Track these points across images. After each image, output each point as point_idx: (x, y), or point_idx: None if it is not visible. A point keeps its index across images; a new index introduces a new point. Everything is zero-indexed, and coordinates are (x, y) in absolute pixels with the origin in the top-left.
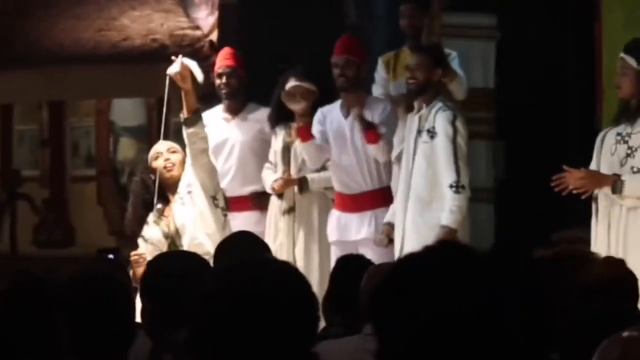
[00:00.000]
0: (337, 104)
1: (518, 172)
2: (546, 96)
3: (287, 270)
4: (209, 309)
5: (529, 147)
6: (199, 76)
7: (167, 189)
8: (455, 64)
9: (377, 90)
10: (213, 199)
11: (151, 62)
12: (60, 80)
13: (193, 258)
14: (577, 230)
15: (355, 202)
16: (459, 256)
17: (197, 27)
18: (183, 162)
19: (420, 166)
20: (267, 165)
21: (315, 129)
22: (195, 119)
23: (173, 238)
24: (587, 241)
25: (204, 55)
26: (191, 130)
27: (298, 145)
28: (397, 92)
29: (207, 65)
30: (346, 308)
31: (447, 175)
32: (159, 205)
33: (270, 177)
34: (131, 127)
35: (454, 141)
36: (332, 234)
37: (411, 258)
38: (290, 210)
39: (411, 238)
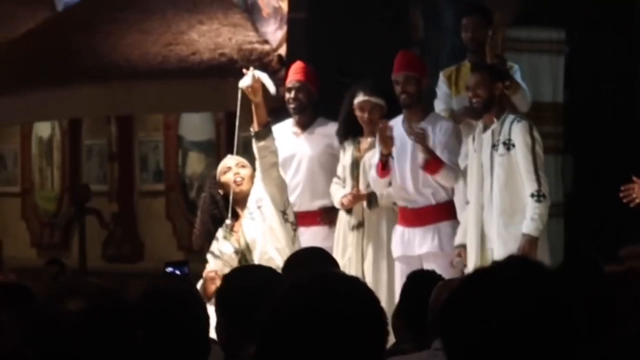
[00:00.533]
0: (400, 119)
1: (587, 185)
2: (615, 109)
3: (356, 285)
4: (277, 323)
5: (598, 161)
6: (271, 88)
7: (236, 204)
8: (517, 77)
9: (439, 105)
10: (283, 213)
11: (219, 77)
12: (128, 94)
13: (269, 272)
14: None
15: (419, 217)
16: (527, 272)
17: (266, 41)
18: (252, 176)
19: (499, 179)
20: (335, 180)
21: (377, 147)
22: (265, 132)
23: (244, 253)
24: None
25: (272, 69)
26: (262, 143)
27: (366, 160)
28: (459, 106)
29: (276, 79)
30: (416, 323)
31: (528, 186)
32: (228, 221)
33: (338, 192)
34: (199, 142)
35: (533, 150)
36: (396, 250)
37: (480, 273)
38: (359, 225)
39: (500, 251)
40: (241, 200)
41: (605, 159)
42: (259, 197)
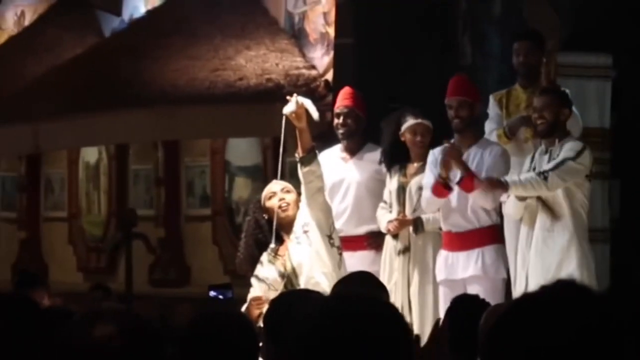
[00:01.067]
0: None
1: (634, 211)
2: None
3: (379, 305)
4: (305, 343)
5: None
6: (315, 114)
7: (281, 229)
8: None
9: (491, 125)
10: (329, 238)
11: (266, 102)
12: (175, 120)
13: (317, 297)
14: None
15: (463, 241)
16: (576, 296)
17: (313, 67)
18: (297, 201)
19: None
20: (381, 205)
21: (429, 170)
22: (310, 157)
23: (290, 277)
24: None
25: (319, 95)
26: (307, 169)
27: (413, 185)
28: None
29: (322, 105)
30: (461, 349)
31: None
32: (273, 245)
33: (385, 217)
34: (246, 167)
35: (571, 159)
36: (439, 273)
37: (527, 297)
38: (405, 250)
39: (537, 266)
40: (286, 225)
41: None
42: (306, 222)
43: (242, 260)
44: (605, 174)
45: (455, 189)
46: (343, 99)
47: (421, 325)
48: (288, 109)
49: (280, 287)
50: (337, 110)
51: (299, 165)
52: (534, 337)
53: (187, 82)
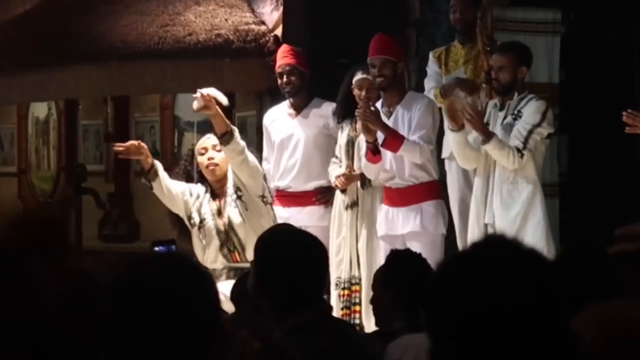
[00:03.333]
0: (379, 104)
1: (582, 166)
2: (611, 89)
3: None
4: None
5: (593, 141)
6: (224, 100)
7: (211, 185)
8: None
9: (429, 83)
10: (262, 197)
11: (215, 57)
12: (124, 75)
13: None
14: None
15: (402, 197)
16: (507, 251)
17: (262, 22)
18: (227, 160)
19: None
20: (333, 159)
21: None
22: (227, 138)
23: (228, 233)
24: None
25: (269, 50)
26: (226, 147)
27: (362, 140)
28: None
29: (271, 60)
30: (404, 303)
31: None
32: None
33: (335, 172)
34: (195, 122)
35: (536, 125)
36: (380, 228)
37: (460, 256)
38: (353, 204)
39: (503, 219)
40: (216, 182)
41: (600, 139)
42: (237, 187)
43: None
44: (554, 129)
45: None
46: (283, 57)
47: (369, 279)
48: (197, 105)
49: (212, 234)
50: (279, 69)
51: (220, 146)
52: (465, 297)
53: (137, 38)
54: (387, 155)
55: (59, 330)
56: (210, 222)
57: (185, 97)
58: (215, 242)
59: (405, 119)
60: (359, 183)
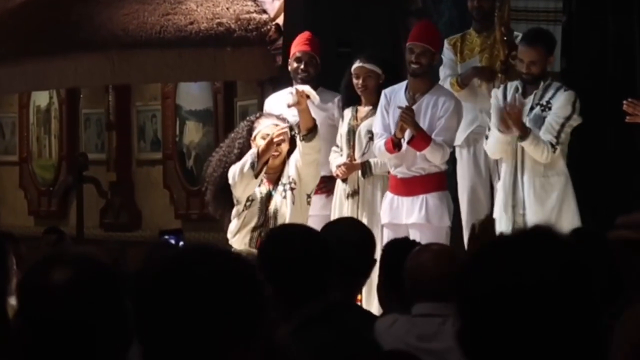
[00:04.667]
0: (403, 87)
1: (582, 155)
2: (612, 78)
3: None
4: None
5: (593, 130)
6: (316, 98)
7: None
8: None
9: (445, 71)
10: (307, 196)
11: (217, 46)
12: (126, 64)
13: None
14: None
15: (407, 186)
16: (545, 237)
17: (264, 11)
18: (286, 152)
19: None
20: (334, 148)
21: (380, 114)
22: (311, 135)
23: (269, 220)
24: None
25: (270, 39)
26: (308, 144)
27: (362, 129)
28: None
29: (273, 49)
30: (399, 293)
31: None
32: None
33: (335, 161)
34: (197, 111)
35: (567, 118)
36: (384, 216)
37: (501, 241)
38: (354, 193)
39: (537, 213)
40: (271, 168)
41: (600, 127)
42: (294, 179)
43: (211, 199)
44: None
45: (407, 138)
46: (303, 44)
47: None
48: (292, 101)
49: (254, 217)
50: (297, 54)
51: (300, 141)
52: (503, 276)
53: (138, 26)
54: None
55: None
56: (257, 204)
57: (187, 86)
58: (252, 225)
59: (428, 110)
60: (359, 172)
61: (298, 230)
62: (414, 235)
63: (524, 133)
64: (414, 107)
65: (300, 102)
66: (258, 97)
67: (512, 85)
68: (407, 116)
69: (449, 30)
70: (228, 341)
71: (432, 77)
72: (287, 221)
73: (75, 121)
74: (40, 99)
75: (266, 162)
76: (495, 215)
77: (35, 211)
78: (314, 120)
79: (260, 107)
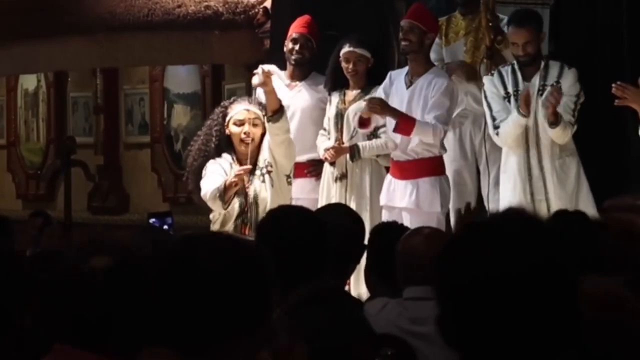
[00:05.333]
0: (404, 71)
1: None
2: (601, 61)
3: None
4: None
5: (582, 114)
6: (284, 79)
7: (238, 155)
8: (506, 29)
9: (431, 55)
10: (287, 177)
11: (205, 29)
12: (114, 47)
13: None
14: (633, 197)
15: (401, 170)
16: (523, 222)
17: None
18: (261, 137)
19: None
20: (321, 132)
21: (380, 92)
22: (278, 116)
23: (250, 208)
24: None
25: (258, 22)
26: (275, 125)
27: (350, 112)
28: (450, 58)
29: (261, 32)
30: (387, 276)
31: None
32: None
33: (323, 144)
34: (185, 94)
35: (578, 96)
36: (382, 197)
37: (475, 226)
38: (342, 177)
39: (560, 197)
40: (242, 154)
41: (589, 111)
42: (269, 162)
43: (194, 188)
44: None
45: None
46: (301, 26)
47: None
48: (256, 81)
49: (235, 204)
50: (295, 35)
51: (267, 123)
52: (477, 265)
53: (125, 10)
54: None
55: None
56: (236, 197)
57: (175, 69)
58: (234, 212)
59: (422, 93)
60: (348, 155)
61: (296, 212)
62: (406, 219)
63: (556, 120)
64: (409, 89)
65: (267, 82)
66: (246, 80)
67: (506, 71)
68: (376, 106)
69: (435, 14)
70: (235, 331)
71: (429, 61)
72: (268, 205)
73: (63, 105)
74: (28, 82)
75: (235, 192)
76: (511, 203)
77: (23, 195)
78: (279, 101)
79: (248, 91)
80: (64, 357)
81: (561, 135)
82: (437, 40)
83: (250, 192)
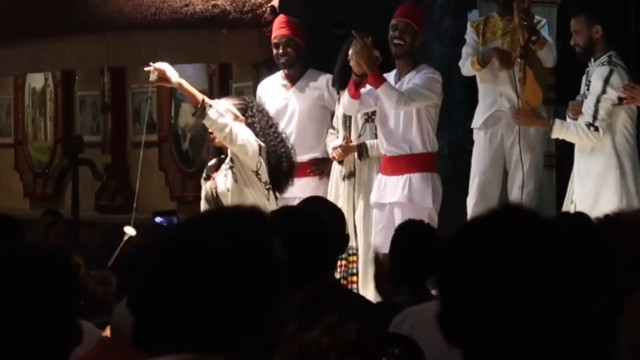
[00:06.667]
0: (393, 74)
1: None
2: None
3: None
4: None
5: None
6: (173, 76)
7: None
8: (544, 31)
9: (467, 50)
10: (255, 173)
11: (212, 28)
12: (121, 46)
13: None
14: None
15: (393, 165)
16: (525, 220)
17: None
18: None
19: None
20: (331, 130)
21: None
22: (200, 112)
23: (215, 202)
24: None
25: (266, 20)
26: (205, 123)
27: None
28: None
29: (268, 31)
30: (409, 275)
31: (583, 118)
32: (211, 163)
33: (332, 143)
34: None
35: (602, 91)
36: (373, 196)
37: (476, 222)
38: (351, 175)
39: (580, 195)
40: (222, 148)
41: None
42: (231, 158)
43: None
44: (550, 99)
45: (392, 117)
46: (279, 28)
47: (366, 249)
48: (152, 78)
49: (204, 206)
50: (275, 40)
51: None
52: (476, 262)
53: (133, 8)
54: (389, 116)
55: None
56: (203, 189)
57: (182, 68)
58: (205, 207)
59: (410, 84)
60: (356, 154)
61: (301, 211)
62: (397, 215)
63: (547, 126)
64: (396, 85)
65: (167, 78)
66: (253, 79)
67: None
68: (362, 50)
69: (443, 13)
70: (241, 325)
71: (417, 60)
72: (229, 198)
73: (71, 103)
74: (36, 81)
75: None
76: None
77: (31, 193)
78: (199, 99)
79: (255, 89)
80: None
81: (571, 138)
82: (475, 37)
83: (213, 186)
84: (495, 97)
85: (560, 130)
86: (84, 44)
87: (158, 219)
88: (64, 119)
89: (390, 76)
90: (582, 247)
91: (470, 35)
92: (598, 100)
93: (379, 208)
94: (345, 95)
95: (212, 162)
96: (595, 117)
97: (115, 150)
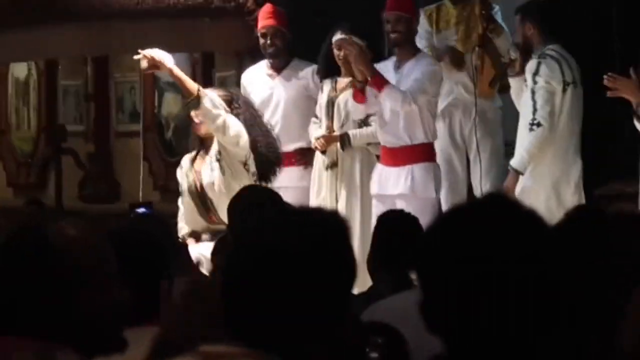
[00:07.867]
0: (392, 61)
1: None
2: (592, 50)
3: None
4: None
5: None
6: (169, 62)
7: (203, 142)
8: (498, 18)
9: (420, 43)
10: (244, 164)
11: (195, 17)
12: (104, 35)
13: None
14: (621, 184)
15: (394, 156)
16: (504, 211)
17: None
18: None
19: (524, 116)
20: (313, 119)
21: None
22: (193, 102)
23: (200, 194)
24: (634, 195)
25: (248, 9)
26: (197, 112)
27: (341, 100)
28: (440, 45)
29: (251, 20)
30: (392, 264)
31: (527, 119)
32: (192, 154)
33: (315, 133)
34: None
35: (531, 88)
36: (373, 187)
37: (456, 211)
38: (333, 165)
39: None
40: (205, 139)
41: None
42: (219, 150)
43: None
44: (507, 87)
45: (387, 108)
46: (266, 17)
47: None
48: (143, 65)
49: (187, 199)
50: (262, 30)
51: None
52: (456, 250)
53: None
54: (386, 109)
55: None
56: (186, 181)
57: None
58: (190, 202)
59: (410, 76)
60: (338, 144)
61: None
62: (401, 206)
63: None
64: (397, 73)
65: (162, 67)
66: (236, 68)
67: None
68: (360, 54)
69: (430, 1)
70: (310, 329)
71: (415, 46)
72: (215, 191)
73: (54, 93)
74: (19, 70)
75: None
76: (477, 189)
77: (14, 183)
78: (194, 89)
79: (238, 79)
80: None
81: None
82: (427, 28)
83: (197, 179)
84: (451, 86)
85: (528, 158)
86: (66, 32)
87: (141, 210)
88: (47, 109)
89: (389, 64)
90: (588, 243)
91: (423, 25)
92: (533, 93)
93: (380, 200)
94: (349, 101)
95: (192, 154)
96: (535, 110)
97: (99, 139)
